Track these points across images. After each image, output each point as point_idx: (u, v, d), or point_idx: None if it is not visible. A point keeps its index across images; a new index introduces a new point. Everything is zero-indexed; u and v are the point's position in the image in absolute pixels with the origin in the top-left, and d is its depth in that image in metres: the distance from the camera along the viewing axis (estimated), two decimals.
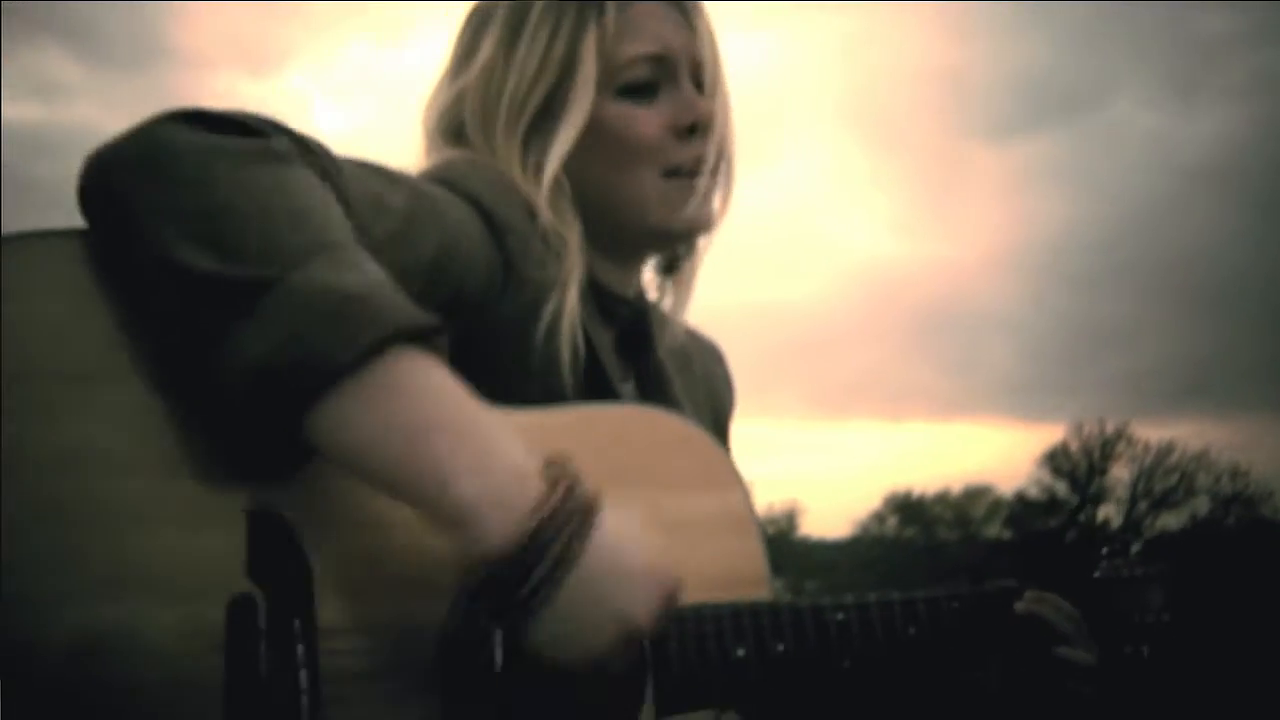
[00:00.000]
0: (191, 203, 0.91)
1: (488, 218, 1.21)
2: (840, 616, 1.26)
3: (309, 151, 1.00)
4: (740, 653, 1.19)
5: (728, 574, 1.23)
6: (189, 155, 0.93)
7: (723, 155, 1.37)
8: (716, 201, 1.38)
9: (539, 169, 1.30)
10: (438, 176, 1.24)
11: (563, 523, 0.91)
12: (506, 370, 1.20)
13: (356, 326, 0.89)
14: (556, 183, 1.30)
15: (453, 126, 1.36)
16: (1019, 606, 1.37)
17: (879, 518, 49.86)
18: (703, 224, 1.36)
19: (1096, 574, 1.47)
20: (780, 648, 1.22)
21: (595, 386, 1.29)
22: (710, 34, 1.39)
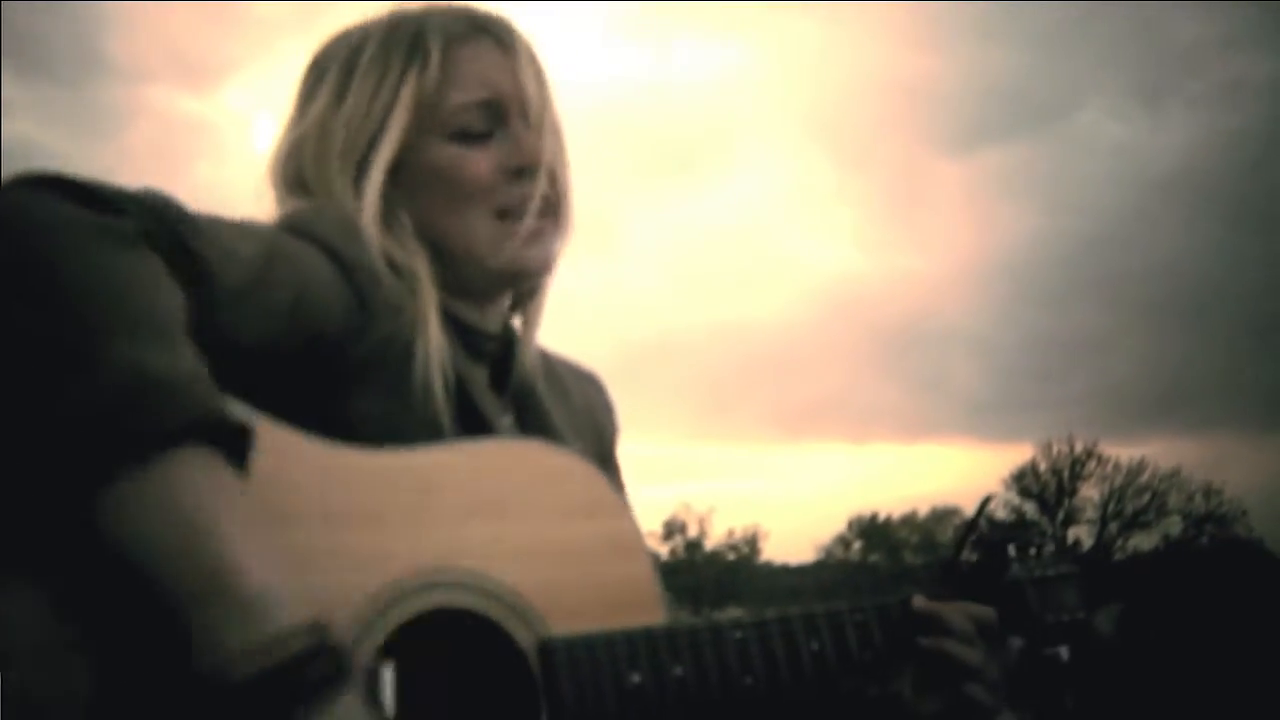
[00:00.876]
0: (14, 267, 0.89)
1: (336, 258, 1.19)
2: (739, 635, 1.22)
3: (161, 221, 0.99)
4: (636, 679, 1.15)
5: (617, 600, 1.19)
6: (25, 220, 0.92)
7: (557, 193, 1.38)
8: (553, 241, 1.37)
9: (387, 212, 1.31)
10: (287, 225, 1.23)
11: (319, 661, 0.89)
12: (383, 410, 1.18)
13: (149, 413, 0.87)
14: (396, 220, 1.31)
15: (294, 175, 1.36)
16: (916, 605, 1.35)
17: (843, 542, 50.34)
18: (537, 264, 1.36)
19: (1009, 576, 1.42)
20: (678, 671, 1.17)
21: (471, 423, 1.27)
22: (537, 70, 1.41)
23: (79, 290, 0.90)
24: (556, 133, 1.40)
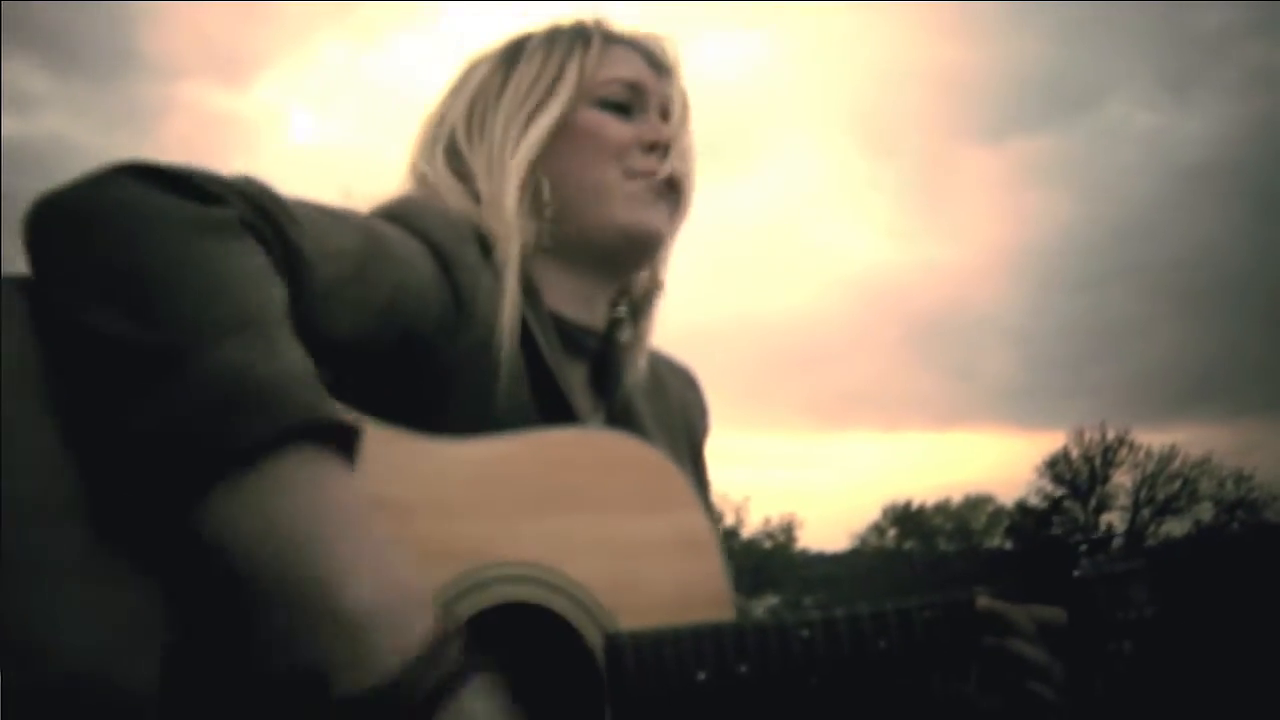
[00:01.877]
0: (111, 263, 0.89)
1: (439, 254, 1.22)
2: (805, 634, 1.22)
3: (259, 210, 0.99)
4: (701, 676, 1.15)
5: (685, 595, 1.20)
6: (122, 214, 0.91)
7: (681, 186, 1.46)
8: (672, 216, 1.45)
9: (531, 165, 1.40)
10: (390, 214, 1.25)
11: (443, 660, 0.88)
12: (469, 408, 1.20)
13: (256, 415, 0.87)
14: (523, 184, 1.38)
15: (447, 139, 1.44)
16: (980, 604, 1.35)
17: (878, 529, 50.04)
18: (654, 227, 1.42)
19: (1076, 573, 1.43)
20: (743, 669, 1.17)
21: (560, 419, 1.29)
22: (682, 93, 1.52)
23: (182, 286, 0.90)
24: (689, 148, 1.50)
